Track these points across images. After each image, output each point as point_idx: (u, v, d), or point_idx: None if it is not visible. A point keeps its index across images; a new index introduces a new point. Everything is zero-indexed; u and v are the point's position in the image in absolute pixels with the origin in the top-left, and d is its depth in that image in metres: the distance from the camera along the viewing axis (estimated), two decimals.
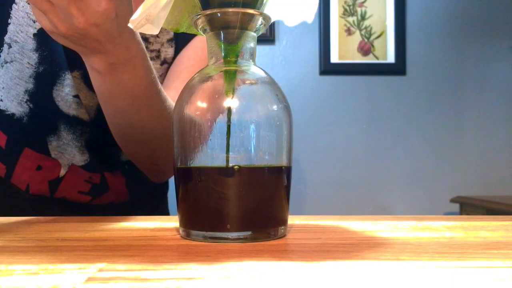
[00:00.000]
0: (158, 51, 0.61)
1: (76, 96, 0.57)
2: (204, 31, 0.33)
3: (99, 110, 0.60)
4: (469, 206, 1.45)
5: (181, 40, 0.62)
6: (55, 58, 0.55)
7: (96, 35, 0.39)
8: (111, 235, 0.33)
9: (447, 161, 1.60)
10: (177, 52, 0.62)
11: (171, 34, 0.62)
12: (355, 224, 0.38)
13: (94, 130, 0.59)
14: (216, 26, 0.32)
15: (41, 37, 0.54)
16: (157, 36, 0.61)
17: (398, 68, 1.59)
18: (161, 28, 0.66)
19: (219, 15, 0.31)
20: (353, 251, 0.27)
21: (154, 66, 0.60)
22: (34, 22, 0.53)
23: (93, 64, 0.43)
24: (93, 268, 0.23)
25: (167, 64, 0.62)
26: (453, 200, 1.52)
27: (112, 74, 0.44)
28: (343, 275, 0.21)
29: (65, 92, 0.56)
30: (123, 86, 0.45)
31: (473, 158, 1.61)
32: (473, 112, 1.61)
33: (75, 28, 0.37)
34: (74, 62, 0.56)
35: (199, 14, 0.31)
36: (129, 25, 0.33)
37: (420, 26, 1.60)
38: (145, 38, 0.60)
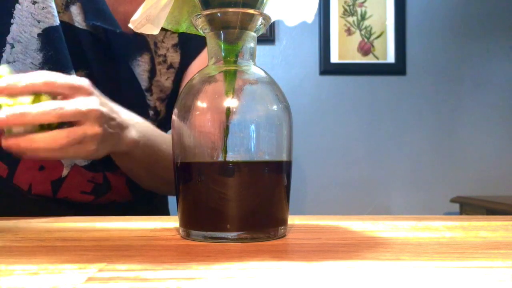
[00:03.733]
0: (165, 55, 0.63)
1: None
2: (204, 31, 0.33)
3: None
4: (469, 206, 1.45)
5: (187, 47, 0.63)
6: (60, 58, 0.55)
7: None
8: (111, 235, 0.33)
9: (447, 161, 1.60)
10: (183, 58, 0.64)
11: (176, 40, 0.63)
12: (355, 224, 0.38)
13: None
14: (216, 26, 0.32)
15: (46, 37, 0.54)
16: (162, 41, 0.62)
17: (398, 68, 1.58)
18: (167, 33, 0.68)
19: (219, 15, 0.31)
20: (353, 251, 0.27)
21: (161, 69, 0.61)
22: (39, 22, 0.53)
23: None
24: (93, 268, 0.23)
25: (173, 68, 0.64)
26: (453, 200, 1.52)
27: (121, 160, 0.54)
28: (343, 275, 0.21)
29: None
30: (133, 168, 0.56)
31: (473, 158, 1.61)
32: (473, 112, 1.61)
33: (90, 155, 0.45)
34: (79, 62, 0.56)
35: (199, 14, 0.31)
36: (130, 25, 0.33)
37: (420, 26, 1.60)
38: (154, 42, 0.61)
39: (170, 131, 0.64)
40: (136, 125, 0.51)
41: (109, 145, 0.46)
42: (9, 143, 0.39)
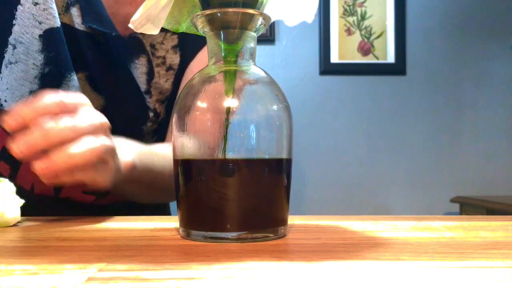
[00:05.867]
0: (164, 57, 0.62)
1: None
2: (204, 31, 0.33)
3: (103, 111, 0.60)
4: (469, 206, 1.45)
5: (187, 48, 0.63)
6: (61, 59, 0.55)
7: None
8: (111, 235, 0.33)
9: (447, 161, 1.60)
10: (183, 59, 0.63)
11: (175, 41, 0.62)
12: (355, 224, 0.38)
13: None
14: (216, 26, 0.32)
15: (47, 38, 0.54)
16: (162, 43, 0.61)
17: (398, 68, 1.59)
18: (167, 35, 0.67)
19: (219, 15, 0.31)
20: (353, 251, 0.27)
21: (160, 71, 0.61)
22: (40, 24, 0.54)
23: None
24: (93, 268, 0.23)
25: (173, 70, 0.63)
26: (453, 200, 1.52)
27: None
28: (343, 275, 0.21)
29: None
30: (134, 189, 0.55)
31: (473, 158, 1.61)
32: (473, 112, 1.61)
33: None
34: (80, 64, 0.57)
35: (199, 14, 0.31)
36: (130, 25, 0.33)
37: (420, 26, 1.60)
38: (151, 44, 0.61)
39: (166, 142, 0.64)
40: (126, 147, 0.51)
41: (115, 174, 0.45)
42: (45, 167, 0.36)
